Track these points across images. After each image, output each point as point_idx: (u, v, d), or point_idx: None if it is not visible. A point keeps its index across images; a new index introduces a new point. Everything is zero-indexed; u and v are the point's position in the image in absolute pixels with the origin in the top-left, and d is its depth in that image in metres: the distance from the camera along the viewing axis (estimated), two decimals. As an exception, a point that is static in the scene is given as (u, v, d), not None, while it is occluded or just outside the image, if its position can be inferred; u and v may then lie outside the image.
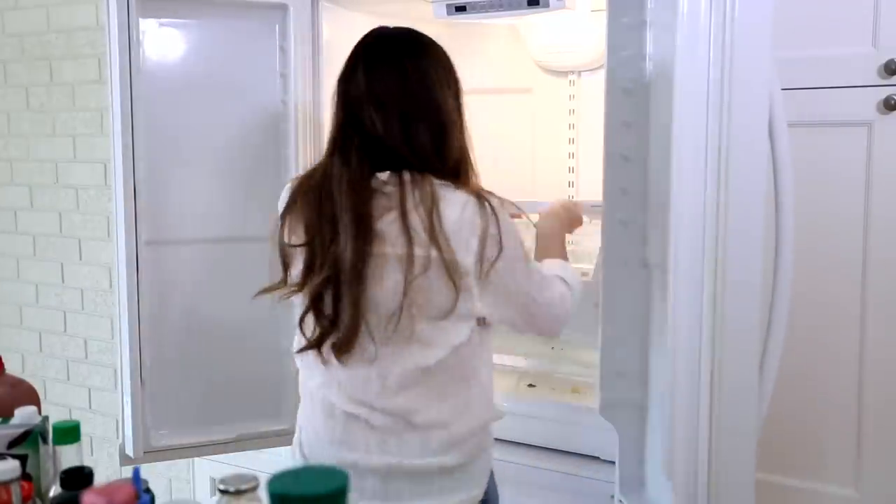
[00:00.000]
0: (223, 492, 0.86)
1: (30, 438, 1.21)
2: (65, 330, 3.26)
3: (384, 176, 1.35)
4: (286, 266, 1.40)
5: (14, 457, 1.12)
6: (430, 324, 1.34)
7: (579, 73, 2.32)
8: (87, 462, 1.12)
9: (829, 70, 1.68)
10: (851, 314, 1.70)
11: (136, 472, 1.01)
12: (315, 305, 1.36)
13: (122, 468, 1.92)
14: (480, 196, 1.35)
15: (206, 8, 1.96)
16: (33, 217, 3.26)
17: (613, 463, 1.74)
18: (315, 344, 1.38)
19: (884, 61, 1.64)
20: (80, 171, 3.11)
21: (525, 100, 2.43)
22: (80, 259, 3.17)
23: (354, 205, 1.32)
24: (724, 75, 1.32)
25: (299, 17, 2.03)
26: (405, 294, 1.30)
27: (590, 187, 2.29)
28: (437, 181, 1.35)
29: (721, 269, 1.36)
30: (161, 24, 1.92)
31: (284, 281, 1.41)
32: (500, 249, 1.33)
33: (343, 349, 1.35)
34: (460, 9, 2.06)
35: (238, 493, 0.86)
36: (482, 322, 1.41)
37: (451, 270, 1.30)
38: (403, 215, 1.30)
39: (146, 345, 1.88)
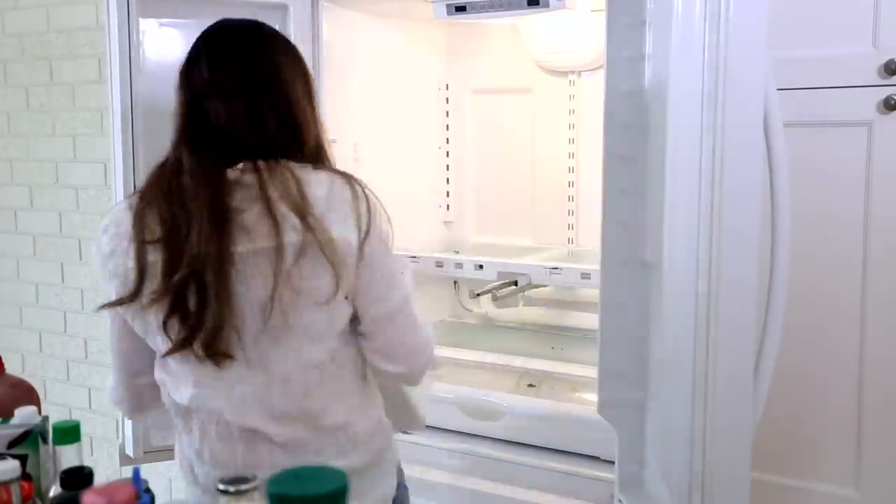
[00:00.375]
0: (223, 492, 0.86)
1: (30, 438, 1.21)
2: (65, 330, 3.26)
3: (240, 167, 1.27)
4: (143, 273, 1.25)
5: (14, 457, 1.11)
6: (314, 312, 1.26)
7: (579, 73, 2.32)
8: (87, 462, 1.12)
9: (829, 70, 1.68)
10: (851, 314, 1.70)
11: (136, 472, 1.01)
12: (179, 304, 1.23)
13: (122, 468, 1.92)
14: (345, 174, 1.30)
15: (206, 8, 1.95)
16: (33, 217, 3.26)
17: (613, 463, 1.74)
18: (181, 344, 1.24)
19: (884, 61, 1.64)
20: (80, 171, 3.11)
21: (525, 100, 2.43)
22: (80, 259, 3.17)
23: (210, 196, 1.23)
24: (719, 74, 1.32)
25: (299, 17, 2.03)
26: (275, 287, 1.22)
27: (590, 187, 2.29)
28: (294, 165, 1.28)
29: (716, 269, 1.36)
30: (161, 24, 1.91)
31: (138, 291, 1.25)
32: (369, 228, 1.27)
33: (211, 349, 1.24)
34: (460, 9, 2.06)
35: (238, 493, 0.86)
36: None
37: (329, 251, 1.22)
38: (269, 205, 1.23)
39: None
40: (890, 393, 1.69)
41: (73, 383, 3.27)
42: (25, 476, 1.15)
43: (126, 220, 1.28)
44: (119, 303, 1.28)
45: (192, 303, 1.23)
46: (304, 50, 2.03)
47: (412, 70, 2.46)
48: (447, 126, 2.56)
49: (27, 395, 1.49)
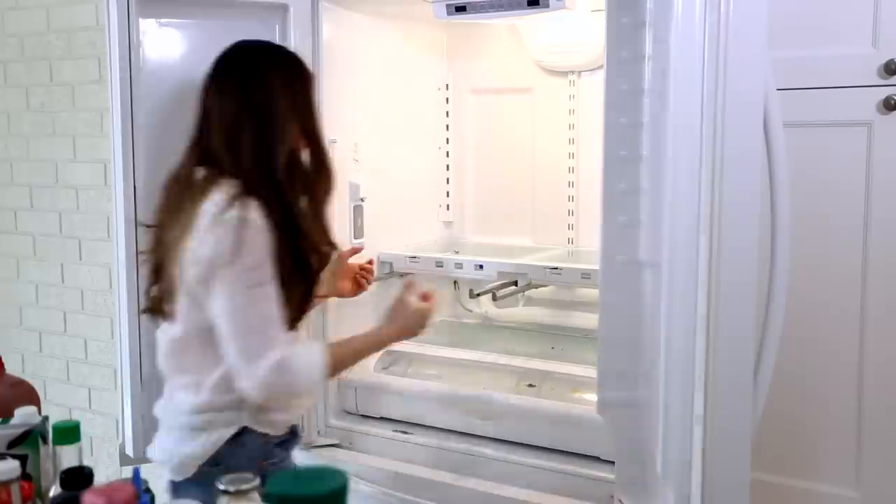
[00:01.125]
0: (223, 492, 0.86)
1: (30, 438, 1.21)
2: (65, 330, 3.26)
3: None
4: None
5: (14, 457, 1.11)
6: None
7: (579, 73, 2.32)
8: (87, 462, 1.12)
9: (829, 70, 1.68)
10: (851, 314, 1.70)
11: (136, 472, 1.01)
12: None
13: (122, 468, 1.92)
14: (231, 199, 1.47)
15: (206, 8, 1.96)
16: (33, 217, 3.26)
17: (613, 463, 1.74)
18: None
19: (884, 61, 1.64)
20: (80, 171, 3.11)
21: (525, 100, 2.43)
22: (80, 259, 3.17)
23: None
24: (719, 75, 1.32)
25: (299, 17, 2.03)
26: None
27: (590, 187, 2.29)
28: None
29: (716, 269, 1.36)
30: (161, 24, 1.91)
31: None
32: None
33: None
34: (460, 9, 2.06)
35: (238, 493, 0.86)
36: None
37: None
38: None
39: (146, 345, 1.88)
40: (890, 393, 1.69)
41: (73, 383, 3.27)
42: (25, 476, 1.15)
43: None
44: None
45: None
46: (304, 50, 2.05)
47: (412, 70, 2.46)
48: (447, 126, 2.56)
49: (27, 395, 1.49)
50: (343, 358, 1.63)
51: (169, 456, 1.55)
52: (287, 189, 1.53)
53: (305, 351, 1.56)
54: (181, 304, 1.52)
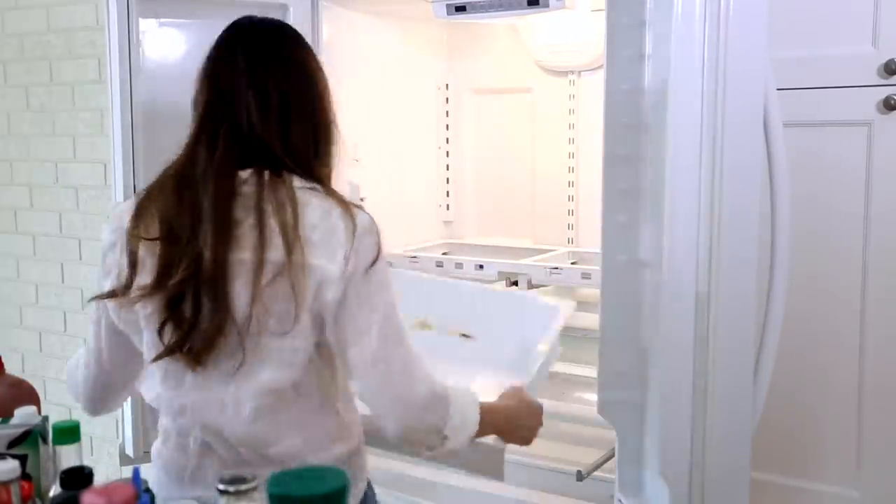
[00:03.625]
0: (223, 492, 0.86)
1: (30, 438, 1.21)
2: (65, 330, 3.26)
3: (245, 174, 1.22)
4: (134, 266, 1.21)
5: (14, 457, 1.11)
6: (280, 339, 1.19)
7: (579, 73, 2.32)
8: (87, 462, 1.12)
9: (829, 70, 1.68)
10: (851, 313, 1.70)
11: (136, 472, 1.01)
12: (173, 307, 1.19)
13: (122, 468, 1.92)
14: (347, 204, 1.22)
15: (206, 7, 1.96)
16: (33, 217, 3.26)
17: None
18: (175, 347, 1.20)
19: (884, 61, 1.64)
20: (80, 171, 3.11)
21: (525, 100, 2.43)
22: (80, 259, 3.17)
23: (216, 199, 1.19)
24: (719, 74, 1.32)
25: (299, 16, 2.03)
26: (253, 303, 1.16)
27: (590, 187, 2.29)
28: (299, 184, 1.22)
29: (716, 269, 1.36)
30: (161, 24, 1.92)
31: (129, 285, 1.21)
32: (356, 261, 1.18)
33: (202, 354, 1.19)
34: (460, 9, 2.06)
35: (238, 493, 0.86)
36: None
37: (296, 277, 1.16)
38: (260, 218, 1.18)
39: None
40: (890, 393, 1.69)
41: (73, 383, 3.26)
42: (25, 476, 1.15)
43: (127, 216, 1.24)
44: (110, 295, 1.24)
45: (187, 306, 1.18)
46: (304, 50, 2.05)
47: (412, 70, 2.46)
48: (447, 126, 2.56)
49: (27, 395, 1.50)
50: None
51: None
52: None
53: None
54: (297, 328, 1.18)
